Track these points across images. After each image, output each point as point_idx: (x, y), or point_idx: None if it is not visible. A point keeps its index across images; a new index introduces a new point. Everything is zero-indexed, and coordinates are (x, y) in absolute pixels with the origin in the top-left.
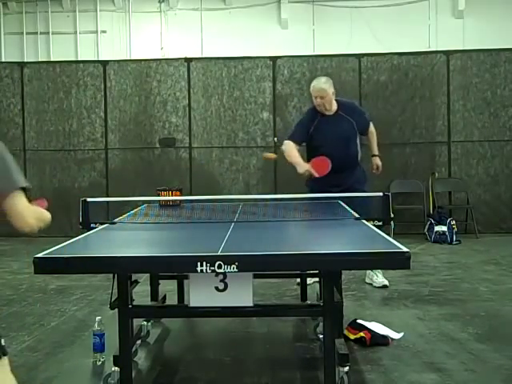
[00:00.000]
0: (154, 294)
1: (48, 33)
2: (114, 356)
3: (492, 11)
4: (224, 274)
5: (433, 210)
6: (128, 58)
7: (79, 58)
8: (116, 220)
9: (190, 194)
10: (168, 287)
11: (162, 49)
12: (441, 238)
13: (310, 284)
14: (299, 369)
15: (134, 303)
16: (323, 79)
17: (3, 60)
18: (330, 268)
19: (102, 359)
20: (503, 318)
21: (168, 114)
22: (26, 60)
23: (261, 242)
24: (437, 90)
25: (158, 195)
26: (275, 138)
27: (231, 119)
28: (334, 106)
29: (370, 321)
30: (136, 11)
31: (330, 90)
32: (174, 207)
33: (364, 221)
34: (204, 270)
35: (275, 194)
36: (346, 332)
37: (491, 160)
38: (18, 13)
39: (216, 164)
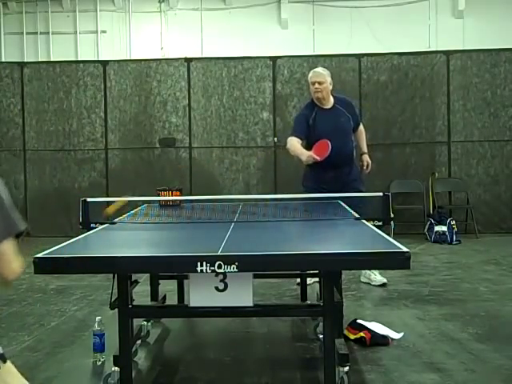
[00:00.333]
0: (154, 294)
1: (48, 33)
2: (113, 356)
3: (492, 11)
4: (224, 274)
5: (433, 210)
6: (128, 58)
7: (79, 58)
8: (116, 220)
9: (190, 194)
10: (168, 287)
11: (162, 49)
12: (441, 238)
13: (309, 284)
14: (299, 369)
15: (134, 303)
16: (320, 68)
17: (3, 60)
18: (330, 268)
19: (101, 359)
20: (503, 318)
21: (168, 114)
22: (26, 60)
23: (261, 242)
24: (437, 90)
25: (158, 195)
26: (275, 138)
27: (231, 119)
28: (331, 100)
29: (369, 321)
30: (136, 11)
31: (328, 78)
32: (174, 207)
33: (364, 221)
34: (204, 270)
35: (275, 193)
36: (346, 332)
37: (491, 160)
38: (18, 13)
39: (216, 164)
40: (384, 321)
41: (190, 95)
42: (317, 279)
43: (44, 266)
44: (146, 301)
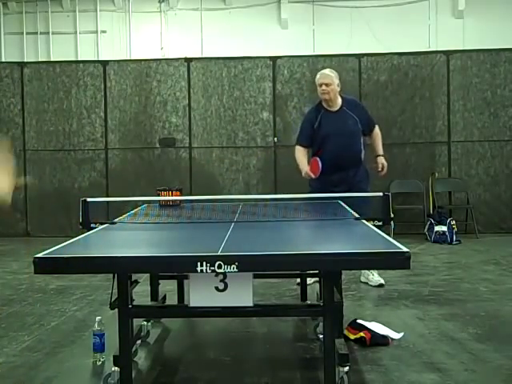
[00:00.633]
0: (154, 294)
1: (48, 33)
2: (114, 356)
3: (492, 11)
4: (224, 274)
5: (433, 210)
6: (128, 58)
7: (79, 58)
8: (116, 220)
9: (190, 194)
10: (168, 287)
11: (162, 49)
12: (441, 238)
13: (309, 284)
14: (299, 369)
15: (134, 303)
16: (328, 69)
17: (3, 60)
18: (330, 268)
19: (102, 359)
20: (503, 318)
21: (168, 114)
22: (26, 60)
23: (261, 242)
24: (437, 89)
25: (158, 195)
26: (275, 138)
27: (231, 119)
28: (339, 101)
29: (369, 321)
30: (136, 11)
31: (336, 80)
32: (174, 207)
33: (364, 221)
34: (204, 270)
35: (275, 193)
36: (346, 332)
37: (491, 160)
38: (18, 13)
39: (216, 164)
40: (384, 321)
41: (190, 95)
42: (317, 279)
43: (44, 266)
44: (146, 301)
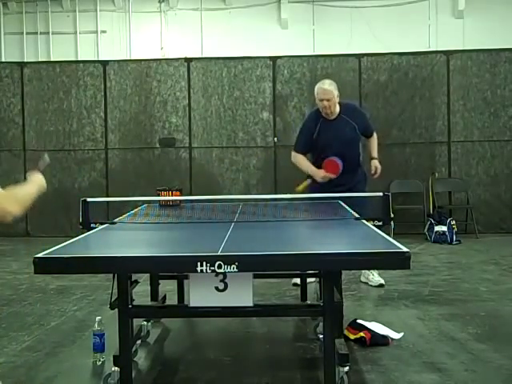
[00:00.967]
0: (154, 294)
1: (48, 33)
2: (113, 356)
3: (492, 11)
4: (224, 274)
5: (433, 210)
6: (128, 58)
7: (79, 58)
8: (116, 220)
9: (190, 194)
10: (168, 287)
11: (162, 49)
12: (441, 238)
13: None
14: (299, 369)
15: (134, 303)
16: (327, 81)
17: (3, 60)
18: (330, 268)
19: (101, 359)
20: (503, 318)
21: (168, 114)
22: (26, 60)
23: (261, 241)
24: (437, 89)
25: (158, 195)
26: (275, 138)
27: (231, 119)
28: (337, 109)
29: (369, 321)
30: (136, 11)
31: (335, 92)
32: (174, 207)
33: (364, 221)
34: (204, 270)
35: (275, 194)
36: (346, 332)
37: (491, 160)
38: (18, 13)
39: (216, 164)
40: (384, 321)
41: (190, 95)
42: (316, 279)
43: (44, 266)
44: (146, 301)
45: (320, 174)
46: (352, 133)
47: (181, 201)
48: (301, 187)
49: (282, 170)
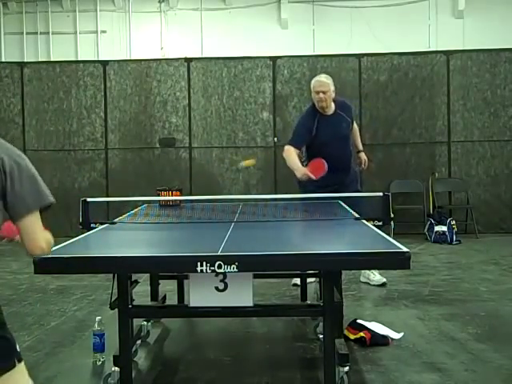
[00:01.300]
0: (154, 293)
1: (48, 33)
2: (113, 356)
3: (492, 11)
4: (224, 274)
5: (433, 210)
6: (128, 58)
7: (79, 58)
8: (116, 220)
9: (190, 194)
10: (168, 287)
11: (162, 49)
12: (441, 238)
13: (309, 282)
14: (299, 369)
15: (134, 303)
16: (324, 75)
17: (3, 60)
18: (330, 268)
19: (101, 359)
20: (503, 318)
21: (168, 114)
22: (26, 60)
23: (261, 242)
24: (437, 89)
25: (158, 195)
26: (275, 138)
27: (231, 119)
28: (333, 105)
29: (369, 321)
30: (136, 11)
31: (331, 86)
32: (174, 207)
33: (364, 221)
34: (204, 270)
35: (275, 194)
36: (346, 332)
37: (491, 160)
38: (18, 13)
39: (216, 164)
40: (384, 321)
41: (190, 95)
42: (316, 279)
43: (44, 266)
44: (146, 301)
45: (301, 172)
46: (347, 129)
47: (181, 201)
48: (247, 162)
49: (281, 170)
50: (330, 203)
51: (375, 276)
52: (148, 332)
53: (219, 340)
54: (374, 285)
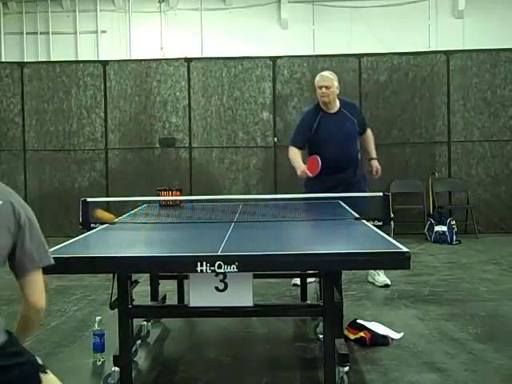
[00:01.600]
0: (154, 293)
1: (48, 33)
2: (113, 356)
3: (492, 11)
4: (224, 274)
5: (433, 210)
6: (128, 58)
7: (79, 58)
8: (116, 220)
9: (190, 194)
10: (168, 287)
11: (162, 49)
12: (441, 238)
13: (309, 283)
14: (299, 369)
15: (134, 303)
16: (328, 71)
17: (3, 60)
18: (330, 268)
19: (101, 359)
20: (503, 318)
21: (168, 114)
22: (25, 60)
23: (261, 241)
24: (437, 89)
25: (158, 195)
26: (275, 138)
27: (231, 119)
28: (337, 104)
29: (369, 321)
30: (136, 11)
31: (335, 82)
32: (174, 207)
33: (364, 221)
34: (204, 270)
35: (275, 194)
36: (346, 332)
37: (491, 160)
38: (18, 13)
39: (216, 164)
40: (384, 321)
41: (190, 95)
42: (317, 279)
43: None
44: (146, 301)
45: (300, 169)
46: (352, 128)
47: (181, 201)
48: (101, 214)
49: (282, 170)
50: (330, 203)
51: (379, 277)
52: (148, 332)
53: (219, 340)
54: (377, 285)
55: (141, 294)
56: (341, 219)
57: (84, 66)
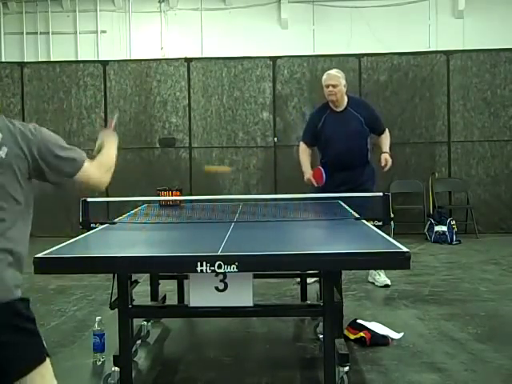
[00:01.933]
0: (154, 293)
1: (48, 33)
2: (113, 356)
3: (492, 11)
4: (224, 274)
5: (433, 210)
6: (128, 58)
7: (79, 58)
8: (116, 220)
9: (190, 194)
10: (168, 287)
11: (162, 49)
12: (441, 238)
13: (310, 283)
14: (299, 369)
15: (134, 303)
16: (335, 70)
17: (3, 60)
18: (330, 268)
19: (101, 359)
20: (503, 318)
21: (168, 114)
22: (26, 60)
23: (261, 241)
24: (437, 89)
25: (158, 195)
26: (275, 138)
27: (231, 119)
28: (345, 102)
29: (369, 321)
30: (136, 11)
31: (342, 80)
32: (174, 207)
33: (364, 221)
34: (204, 270)
35: (275, 194)
36: (346, 332)
37: (491, 160)
38: (18, 13)
39: (216, 164)
40: (384, 321)
41: (190, 95)
42: (317, 279)
43: (44, 266)
44: (146, 301)
45: (306, 176)
46: (358, 126)
47: (181, 201)
48: (213, 169)
49: (282, 170)
50: (330, 203)
51: (380, 277)
52: (148, 332)
53: (219, 340)
54: (378, 285)
55: (141, 294)
56: (341, 219)
57: (84, 65)
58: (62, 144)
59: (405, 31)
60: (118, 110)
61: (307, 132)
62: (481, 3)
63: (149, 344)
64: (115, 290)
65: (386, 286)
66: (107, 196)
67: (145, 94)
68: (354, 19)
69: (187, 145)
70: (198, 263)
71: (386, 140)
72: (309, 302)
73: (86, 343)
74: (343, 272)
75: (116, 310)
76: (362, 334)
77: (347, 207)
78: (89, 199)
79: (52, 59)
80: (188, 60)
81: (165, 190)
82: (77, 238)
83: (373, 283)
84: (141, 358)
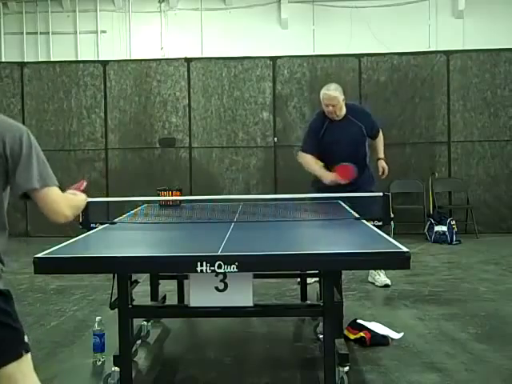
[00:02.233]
0: (154, 294)
1: (48, 33)
2: (114, 356)
3: (492, 11)
4: (224, 274)
5: (433, 210)
6: (128, 58)
7: (79, 58)
8: (116, 220)
9: (190, 194)
10: (168, 287)
11: (162, 49)
12: (441, 238)
13: (310, 283)
14: (299, 369)
15: (134, 303)
16: (333, 86)
17: (3, 60)
18: (330, 268)
19: (102, 359)
20: (503, 318)
21: (168, 114)
22: (26, 60)
23: (261, 242)
24: (437, 89)
25: (158, 195)
26: (275, 138)
27: (231, 119)
28: (343, 111)
29: (370, 321)
30: (136, 11)
31: (341, 97)
32: (174, 207)
33: (364, 221)
34: (204, 270)
35: (275, 194)
36: (346, 332)
37: (491, 160)
38: (17, 13)
39: (216, 164)
40: (384, 321)
41: (190, 95)
42: (317, 279)
43: (44, 266)
44: (146, 301)
45: (330, 177)
46: (358, 133)
47: (181, 201)
48: None
49: (282, 170)
50: (329, 203)
51: (380, 277)
52: (148, 332)
53: (219, 340)
54: (378, 285)
55: (141, 294)
56: (341, 219)
57: (84, 65)
58: (42, 157)
59: (405, 31)
60: (119, 109)
61: (309, 142)
62: (481, 3)
63: (149, 344)
64: (115, 290)
65: (386, 286)
66: (107, 196)
67: (145, 94)
68: (354, 19)
69: (187, 145)
70: (198, 263)
71: (380, 144)
72: (309, 301)
73: (86, 343)
74: (343, 272)
75: (116, 310)
76: (361, 334)
77: (347, 207)
78: (89, 199)
79: (52, 59)
80: (188, 60)
81: (165, 190)
82: (77, 237)
83: (373, 283)
84: (141, 358)
